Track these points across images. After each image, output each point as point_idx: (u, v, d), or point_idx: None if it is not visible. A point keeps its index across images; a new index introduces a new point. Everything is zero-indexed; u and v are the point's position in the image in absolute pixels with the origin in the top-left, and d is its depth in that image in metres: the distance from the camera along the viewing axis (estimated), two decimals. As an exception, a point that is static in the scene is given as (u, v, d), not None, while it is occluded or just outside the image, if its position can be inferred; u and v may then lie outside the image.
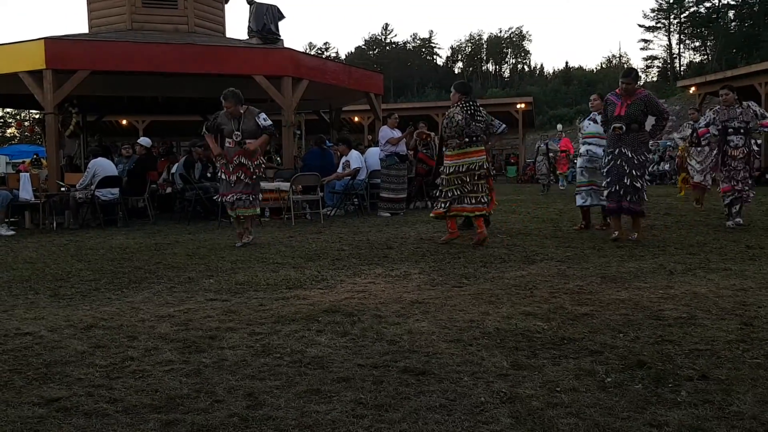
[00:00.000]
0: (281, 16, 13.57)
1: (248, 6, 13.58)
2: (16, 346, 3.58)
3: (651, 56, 67.39)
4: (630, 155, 6.95)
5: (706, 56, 59.96)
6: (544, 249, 6.78)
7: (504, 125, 7.61)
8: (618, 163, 7.01)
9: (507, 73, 75.45)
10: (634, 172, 6.95)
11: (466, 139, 7.15)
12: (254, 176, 7.59)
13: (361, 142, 21.66)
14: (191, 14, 13.85)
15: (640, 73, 7.17)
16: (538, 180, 20.07)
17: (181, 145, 23.95)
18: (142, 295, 4.92)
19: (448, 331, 3.67)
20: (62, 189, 10.88)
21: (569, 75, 63.35)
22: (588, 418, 2.44)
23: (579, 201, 8.38)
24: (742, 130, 7.94)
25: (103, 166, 10.52)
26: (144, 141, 12.72)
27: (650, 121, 7.22)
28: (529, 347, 3.33)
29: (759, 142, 8.53)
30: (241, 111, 7.51)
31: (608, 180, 7.15)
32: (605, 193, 7.30)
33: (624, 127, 6.97)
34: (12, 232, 9.62)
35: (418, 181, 12.67)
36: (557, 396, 2.66)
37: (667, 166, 22.70)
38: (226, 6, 15.36)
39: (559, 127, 23.13)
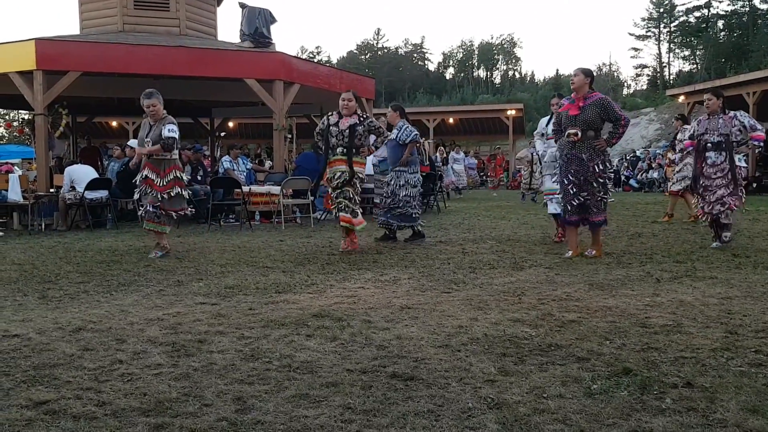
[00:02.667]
0: (273, 20, 13.57)
1: (240, 9, 13.58)
2: (3, 348, 3.57)
3: (641, 65, 67.88)
4: (585, 166, 6.45)
5: (695, 65, 60.41)
6: (533, 255, 6.82)
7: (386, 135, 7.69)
8: (574, 174, 6.51)
9: (498, 80, 75.65)
10: (594, 183, 6.49)
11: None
12: (165, 192, 7.02)
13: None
14: (183, 17, 13.82)
15: (594, 73, 6.92)
16: (529, 188, 19.51)
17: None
18: (131, 298, 4.91)
19: (437, 337, 3.69)
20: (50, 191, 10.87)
21: (559, 82, 63.52)
22: (574, 425, 2.46)
23: (552, 209, 7.90)
24: (723, 144, 7.01)
25: (78, 171, 10.67)
26: (134, 143, 12.68)
27: (606, 126, 6.69)
28: (517, 353, 3.36)
29: (742, 157, 7.93)
30: (162, 115, 7.18)
31: (565, 192, 6.63)
32: (562, 205, 6.84)
33: (579, 133, 6.42)
34: (0, 234, 9.57)
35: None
36: (544, 402, 2.68)
37: (655, 174, 22.86)
38: (218, 9, 15.35)
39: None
